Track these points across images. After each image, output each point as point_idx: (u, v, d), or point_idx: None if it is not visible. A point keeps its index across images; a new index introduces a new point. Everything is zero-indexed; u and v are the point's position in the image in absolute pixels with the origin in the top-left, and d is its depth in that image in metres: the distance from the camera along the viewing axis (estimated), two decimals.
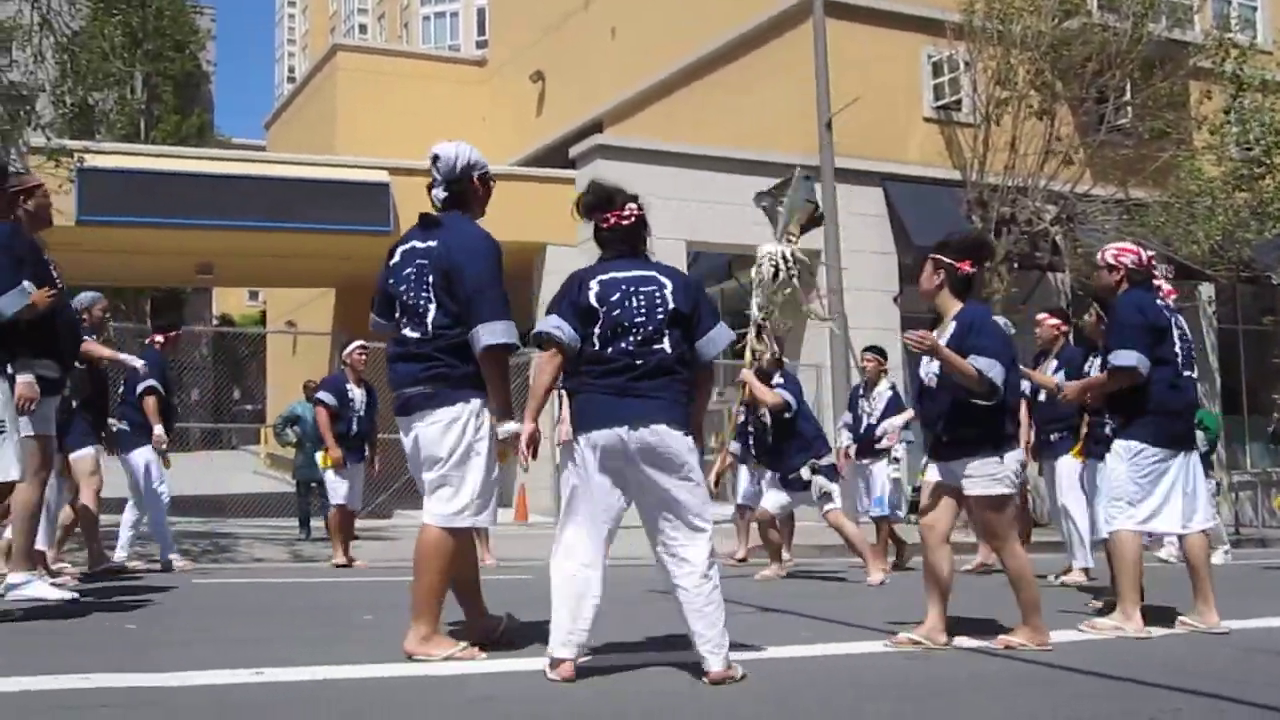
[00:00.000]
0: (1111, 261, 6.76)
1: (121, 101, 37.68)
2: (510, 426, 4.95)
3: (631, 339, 4.68)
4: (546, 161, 22.13)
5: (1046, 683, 4.90)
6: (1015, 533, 5.96)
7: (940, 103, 19.51)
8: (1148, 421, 6.40)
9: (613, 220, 4.94)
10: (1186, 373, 6.59)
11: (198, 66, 50.49)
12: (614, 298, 4.73)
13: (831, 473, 9.65)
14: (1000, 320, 6.71)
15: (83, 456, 8.74)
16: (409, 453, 5.15)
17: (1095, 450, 7.93)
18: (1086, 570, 9.42)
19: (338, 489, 10.82)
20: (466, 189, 5.35)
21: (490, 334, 4.92)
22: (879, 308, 17.60)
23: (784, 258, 8.81)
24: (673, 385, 4.70)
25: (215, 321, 62.08)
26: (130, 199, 16.34)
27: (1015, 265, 18.70)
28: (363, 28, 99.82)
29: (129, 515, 9.91)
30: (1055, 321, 9.58)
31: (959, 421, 5.66)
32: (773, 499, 9.70)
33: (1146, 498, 6.36)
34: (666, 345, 4.71)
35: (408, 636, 4.92)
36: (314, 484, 13.47)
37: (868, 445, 10.82)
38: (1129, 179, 19.67)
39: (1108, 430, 6.88)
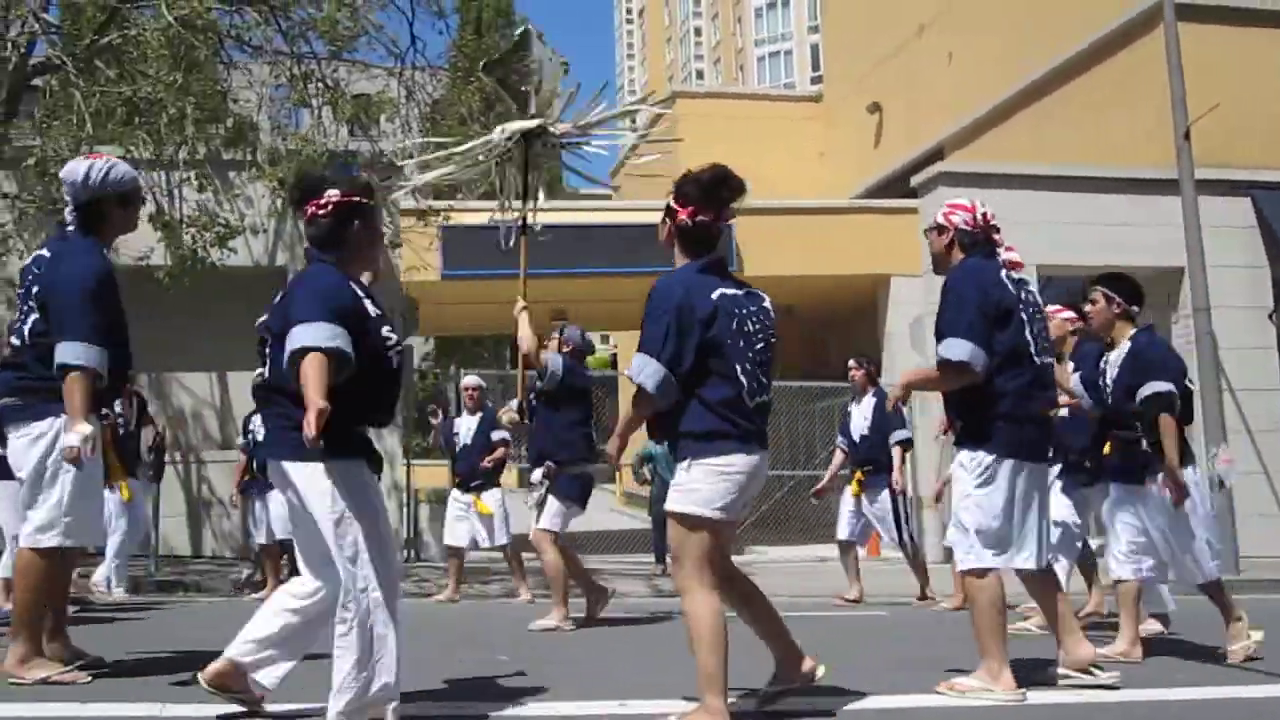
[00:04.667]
0: (941, 221, 5.49)
1: None
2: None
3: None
4: (887, 192, 21.92)
5: None
6: None
7: None
8: (998, 428, 5.14)
9: (310, 211, 4.46)
10: (1044, 361, 5.31)
11: None
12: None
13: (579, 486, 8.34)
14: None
15: None
16: None
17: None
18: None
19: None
20: (100, 209, 5.29)
21: (63, 354, 4.95)
22: (1250, 325, 16.46)
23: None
24: (274, 412, 4.27)
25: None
26: (489, 253, 17.19)
27: None
28: (699, 73, 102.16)
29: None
30: (1068, 315, 7.95)
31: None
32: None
33: (1003, 524, 5.13)
34: (266, 370, 4.34)
35: (6, 657, 4.96)
36: None
37: (869, 462, 10.23)
38: None
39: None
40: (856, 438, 10.47)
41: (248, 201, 14.83)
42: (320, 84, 14.28)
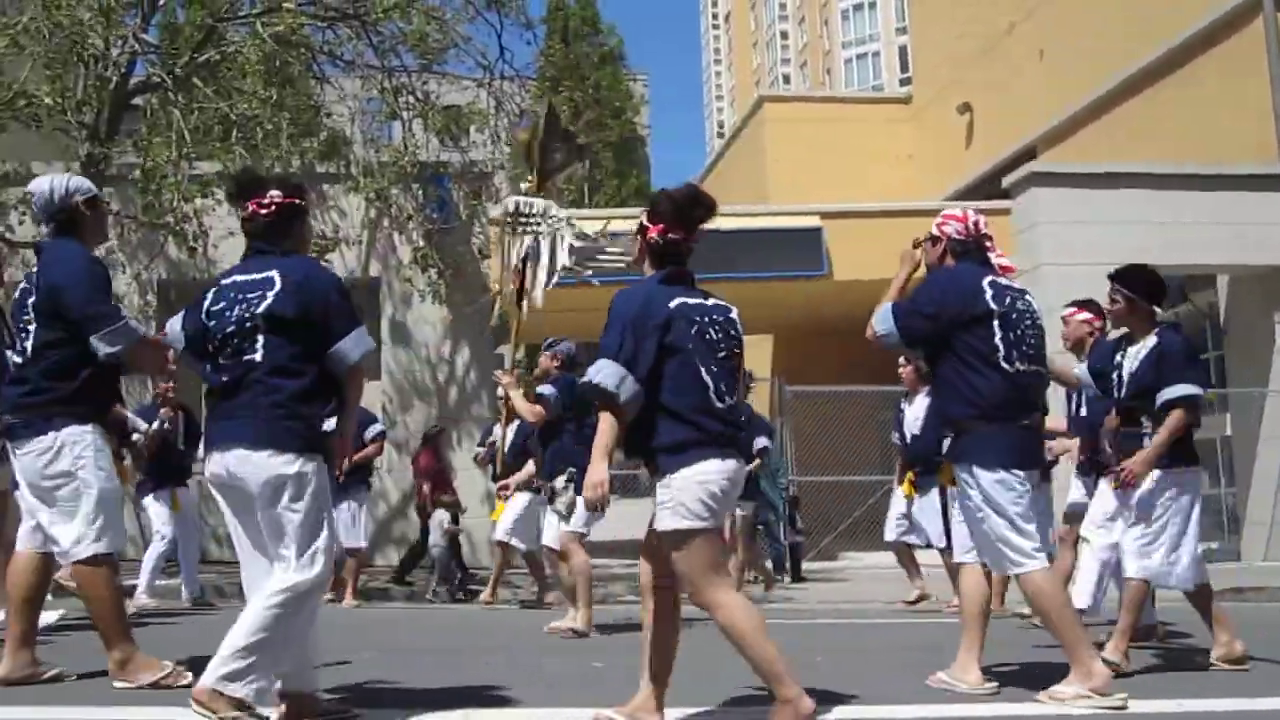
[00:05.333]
0: (935, 233, 5.63)
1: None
2: None
3: (225, 352, 4.40)
4: (978, 194, 21.67)
5: None
6: None
7: None
8: (973, 439, 5.18)
9: (250, 209, 4.58)
10: (1020, 366, 5.24)
11: (634, 131, 52.98)
12: (217, 307, 4.47)
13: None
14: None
15: None
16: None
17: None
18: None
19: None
20: (73, 216, 5.37)
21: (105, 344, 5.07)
22: None
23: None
24: (258, 400, 4.28)
25: None
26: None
27: None
28: (786, 78, 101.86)
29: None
30: (1085, 316, 7.87)
31: None
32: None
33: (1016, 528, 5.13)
34: (258, 354, 4.33)
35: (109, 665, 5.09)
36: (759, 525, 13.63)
37: (921, 462, 9.72)
38: None
39: None
40: (909, 437, 10.30)
41: (341, 213, 15.08)
42: (411, 96, 14.50)
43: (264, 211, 4.55)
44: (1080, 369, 7.11)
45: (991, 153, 23.78)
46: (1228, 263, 16.26)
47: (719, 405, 4.33)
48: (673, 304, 4.39)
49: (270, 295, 4.36)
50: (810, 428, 17.11)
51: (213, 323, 4.43)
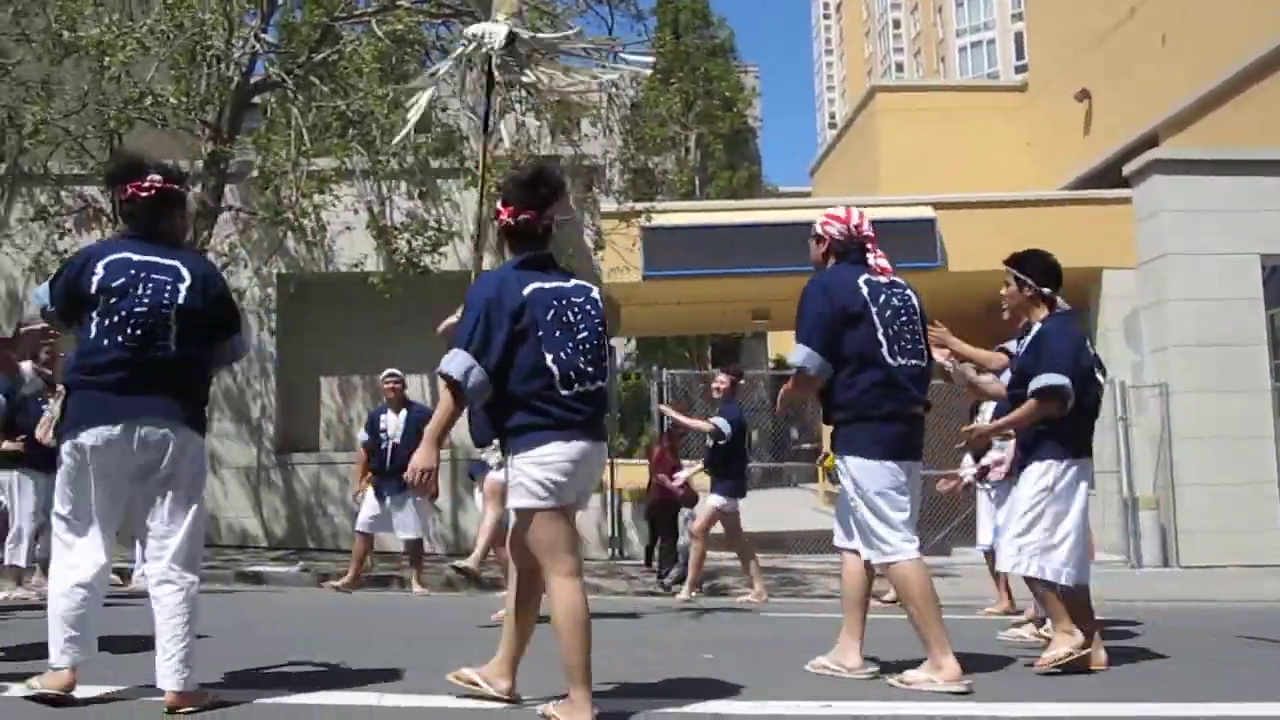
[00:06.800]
0: (818, 231, 5.73)
1: (679, 162, 40.08)
2: None
3: (130, 332, 4.46)
4: (1098, 182, 21.22)
5: None
6: None
7: None
8: (856, 430, 5.35)
9: (129, 192, 4.63)
10: (900, 361, 5.36)
11: (745, 123, 52.75)
12: (117, 283, 4.48)
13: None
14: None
15: None
16: None
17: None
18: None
19: None
20: None
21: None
22: None
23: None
24: (171, 384, 4.52)
25: (771, 365, 64.27)
26: (690, 253, 17.38)
27: None
28: (899, 66, 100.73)
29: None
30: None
31: None
32: None
33: (886, 521, 5.29)
34: (171, 342, 4.52)
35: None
36: None
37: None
38: None
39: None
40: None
41: (455, 207, 15.26)
42: (523, 90, 14.58)
43: (143, 195, 4.64)
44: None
45: (1111, 140, 23.25)
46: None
47: (564, 392, 4.42)
48: (527, 290, 4.49)
49: (183, 288, 4.57)
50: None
51: (113, 299, 4.49)
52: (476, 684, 4.63)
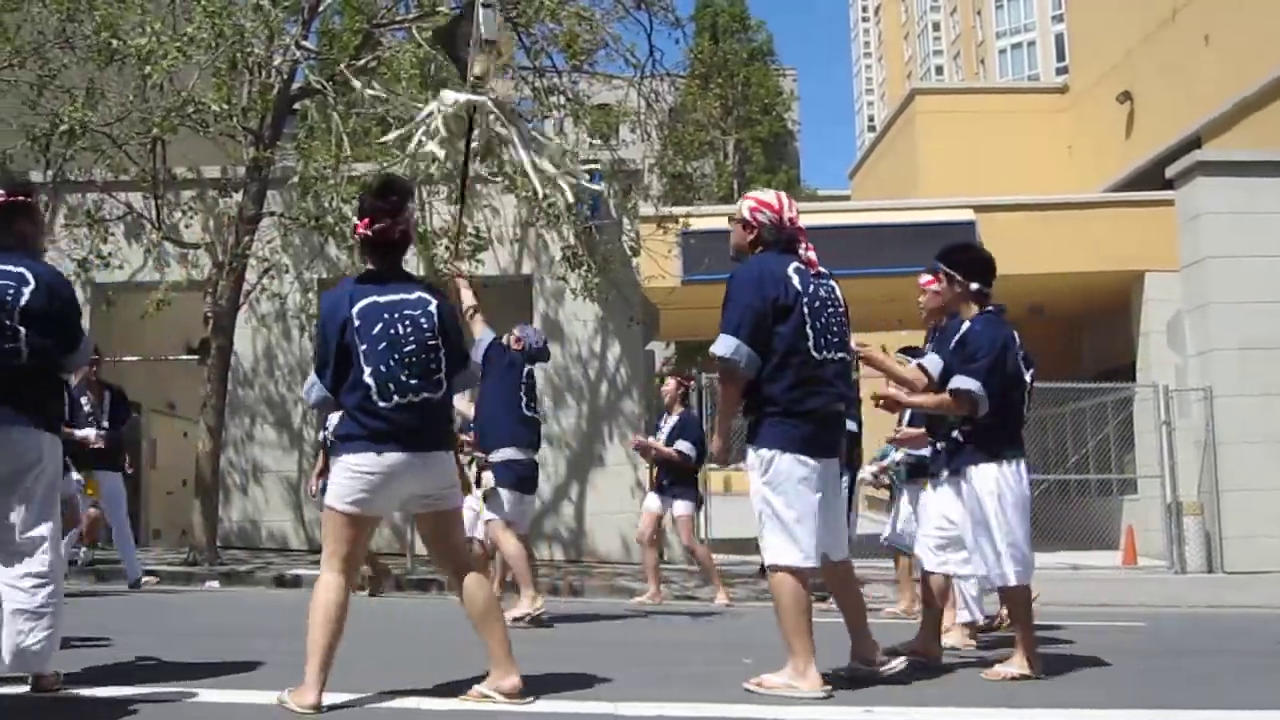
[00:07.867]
0: (746, 217, 5.44)
1: (717, 167, 40.10)
2: None
3: None
4: (1140, 185, 21.06)
5: None
6: None
7: None
8: (774, 424, 5.13)
9: None
10: (825, 355, 5.18)
11: (784, 126, 52.74)
12: None
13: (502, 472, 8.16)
14: None
15: None
16: None
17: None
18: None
19: None
20: None
21: None
22: None
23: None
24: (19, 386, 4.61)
25: None
26: (727, 257, 17.34)
27: None
28: (938, 69, 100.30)
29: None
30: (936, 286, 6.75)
31: None
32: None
33: (792, 520, 5.07)
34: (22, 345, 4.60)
35: None
36: None
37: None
38: None
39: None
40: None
41: (494, 212, 15.31)
42: (562, 96, 14.64)
43: None
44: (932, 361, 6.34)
45: (1153, 143, 23.08)
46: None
47: (382, 404, 4.59)
48: (358, 305, 4.66)
49: (26, 291, 4.62)
50: None
51: None
52: (489, 696, 4.66)
